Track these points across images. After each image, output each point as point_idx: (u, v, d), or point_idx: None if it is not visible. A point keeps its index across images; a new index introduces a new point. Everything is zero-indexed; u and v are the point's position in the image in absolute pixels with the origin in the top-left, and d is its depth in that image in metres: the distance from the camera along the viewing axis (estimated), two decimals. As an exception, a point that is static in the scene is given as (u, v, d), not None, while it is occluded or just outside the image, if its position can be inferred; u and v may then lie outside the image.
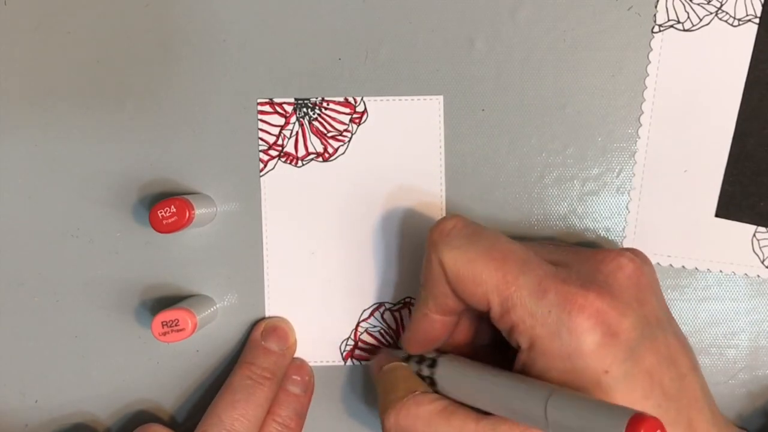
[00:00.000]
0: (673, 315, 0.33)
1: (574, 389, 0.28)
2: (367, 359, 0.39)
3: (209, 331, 0.39)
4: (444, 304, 0.33)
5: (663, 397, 0.29)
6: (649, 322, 0.30)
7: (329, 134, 0.39)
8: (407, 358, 0.36)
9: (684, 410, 0.30)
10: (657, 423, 0.24)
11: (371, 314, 0.39)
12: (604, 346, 0.28)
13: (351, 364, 0.39)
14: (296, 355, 0.39)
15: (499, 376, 0.31)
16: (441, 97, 0.39)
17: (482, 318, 0.36)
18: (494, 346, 0.36)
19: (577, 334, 0.28)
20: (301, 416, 0.38)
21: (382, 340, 0.39)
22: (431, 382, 0.34)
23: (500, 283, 0.30)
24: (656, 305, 0.31)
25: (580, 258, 0.32)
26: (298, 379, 0.38)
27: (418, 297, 0.34)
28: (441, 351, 0.35)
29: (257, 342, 0.38)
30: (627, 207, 0.38)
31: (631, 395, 0.28)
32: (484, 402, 0.31)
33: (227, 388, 0.36)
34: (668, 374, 0.30)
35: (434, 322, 0.34)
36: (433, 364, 0.34)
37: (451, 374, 0.33)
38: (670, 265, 0.38)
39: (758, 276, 0.38)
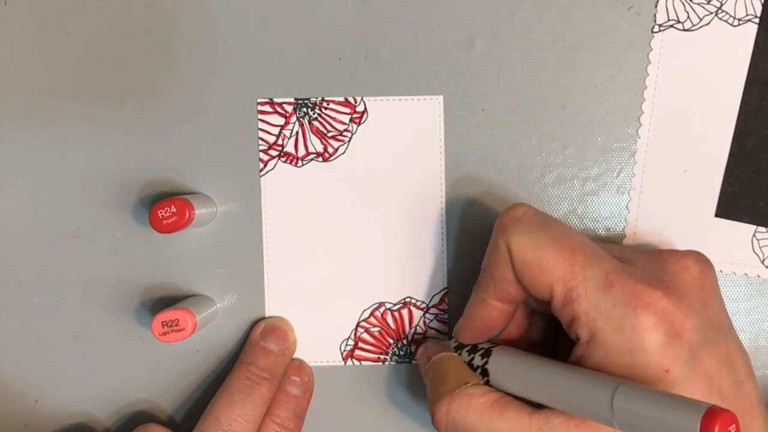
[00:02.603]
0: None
1: None
2: (366, 359, 0.39)
3: (209, 331, 0.39)
4: (505, 291, 0.32)
5: (721, 402, 0.29)
6: (711, 325, 0.30)
7: (329, 134, 0.39)
8: (458, 348, 0.35)
9: (740, 417, 0.29)
10: (732, 417, 0.24)
11: (371, 314, 0.39)
12: (667, 346, 0.28)
13: (351, 364, 0.39)
14: (296, 355, 0.39)
15: (558, 368, 0.30)
16: (441, 97, 0.39)
17: (534, 313, 0.35)
18: (543, 344, 0.36)
19: (641, 331, 0.28)
20: (300, 417, 0.38)
21: (382, 340, 0.39)
22: (483, 373, 0.33)
23: (567, 272, 0.30)
24: (718, 309, 0.31)
25: (644, 257, 0.32)
26: (297, 380, 0.38)
27: (476, 284, 0.34)
28: (493, 343, 0.35)
29: (256, 342, 0.38)
30: (627, 207, 0.38)
31: (690, 397, 0.28)
32: (540, 394, 0.30)
33: (225, 388, 0.36)
34: (727, 379, 0.29)
35: (492, 310, 0.33)
36: (486, 353, 0.34)
37: (506, 365, 0.33)
38: (670, 265, 0.38)
39: (758, 276, 0.38)
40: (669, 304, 0.29)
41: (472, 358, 0.34)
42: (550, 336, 0.36)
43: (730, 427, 0.24)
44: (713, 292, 0.31)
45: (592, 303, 0.29)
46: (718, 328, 0.30)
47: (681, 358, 0.28)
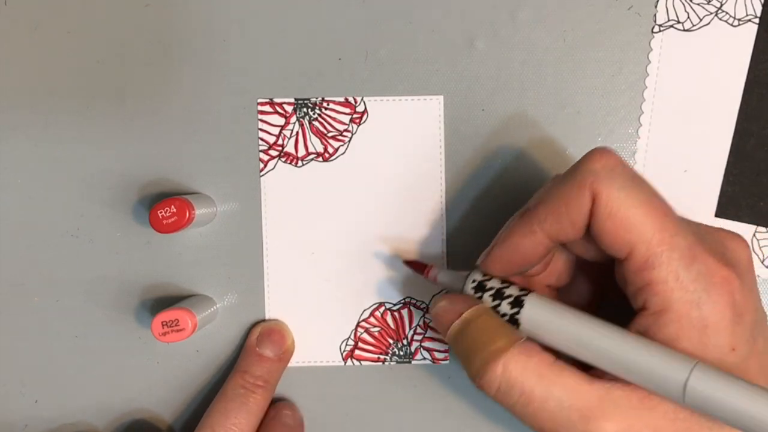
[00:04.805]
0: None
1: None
2: (366, 359, 0.39)
3: (209, 331, 0.39)
4: (563, 231, 0.30)
5: (766, 383, 0.29)
6: (758, 308, 0.30)
7: (329, 134, 0.39)
8: (478, 289, 0.32)
9: None
10: None
11: (371, 314, 0.39)
12: (736, 324, 0.28)
13: (351, 364, 0.39)
14: (296, 355, 0.39)
15: (617, 334, 0.29)
16: (441, 97, 0.39)
17: (579, 270, 0.34)
18: (583, 303, 0.34)
19: (718, 308, 0.28)
20: None
21: (382, 340, 0.39)
22: (512, 323, 0.31)
23: (655, 236, 0.28)
24: (758, 293, 0.31)
25: (704, 231, 0.31)
26: (290, 413, 0.38)
27: (525, 214, 0.31)
28: (523, 289, 0.32)
29: (252, 348, 0.38)
30: (627, 207, 0.38)
31: (745, 376, 0.28)
32: (597, 358, 0.28)
33: (221, 396, 0.37)
34: None
35: (539, 245, 0.31)
36: (517, 302, 0.31)
37: (546, 319, 0.30)
38: (670, 265, 0.38)
39: (758, 276, 0.38)
40: (738, 283, 0.28)
41: (498, 305, 0.31)
42: (594, 296, 0.34)
43: None
44: (755, 277, 0.31)
45: (674, 273, 0.28)
46: (762, 311, 0.30)
47: (744, 337, 0.28)
